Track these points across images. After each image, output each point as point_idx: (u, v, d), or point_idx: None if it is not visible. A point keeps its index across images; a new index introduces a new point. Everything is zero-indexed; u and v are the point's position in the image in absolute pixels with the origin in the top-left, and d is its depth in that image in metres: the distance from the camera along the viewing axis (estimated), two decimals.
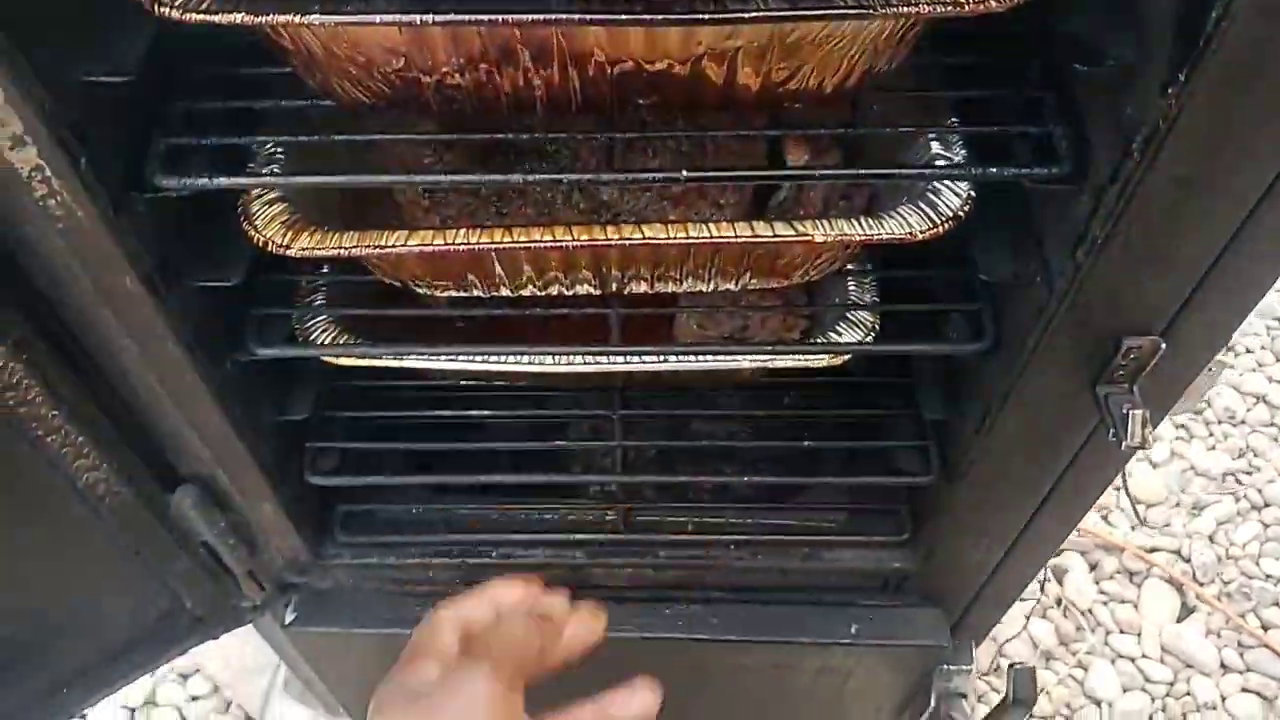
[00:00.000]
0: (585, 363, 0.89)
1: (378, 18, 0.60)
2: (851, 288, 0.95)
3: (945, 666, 1.16)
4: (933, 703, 1.18)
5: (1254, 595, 1.96)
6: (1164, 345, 0.76)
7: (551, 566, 1.12)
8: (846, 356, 0.91)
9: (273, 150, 0.78)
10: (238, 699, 1.83)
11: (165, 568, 1.00)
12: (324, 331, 0.91)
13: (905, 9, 0.60)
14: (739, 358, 0.92)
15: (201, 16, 0.60)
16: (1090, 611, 1.97)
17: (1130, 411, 0.77)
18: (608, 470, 1.12)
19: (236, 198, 0.77)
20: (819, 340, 0.90)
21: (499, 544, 1.11)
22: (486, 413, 1.05)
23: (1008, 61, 0.76)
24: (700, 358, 0.91)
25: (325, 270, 0.95)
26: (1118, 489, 2.05)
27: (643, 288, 0.87)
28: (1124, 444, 0.77)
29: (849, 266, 0.94)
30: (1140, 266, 0.70)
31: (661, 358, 0.89)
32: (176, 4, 0.60)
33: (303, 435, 1.02)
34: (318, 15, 0.59)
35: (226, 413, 0.88)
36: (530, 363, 0.90)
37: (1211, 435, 2.19)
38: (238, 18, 0.60)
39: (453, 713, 0.59)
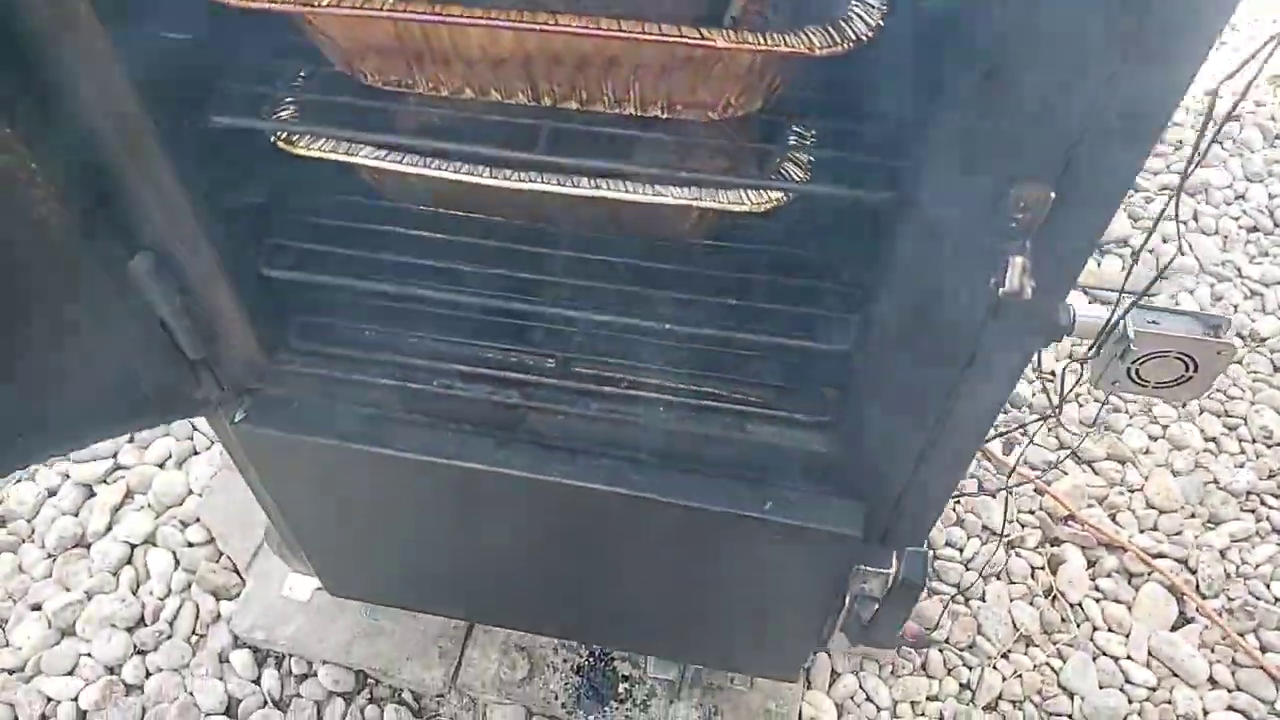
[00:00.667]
0: (519, 177, 0.93)
1: None
2: (791, 140, 0.96)
3: (861, 567, 1.15)
4: (846, 602, 1.17)
5: (1258, 616, 1.87)
6: (1053, 195, 0.76)
7: (488, 403, 1.16)
8: (771, 204, 0.93)
9: None
10: (229, 551, 1.92)
11: (123, 334, 1.07)
12: (286, 113, 0.97)
13: None
14: (666, 191, 0.94)
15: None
16: (1080, 605, 1.91)
17: (1011, 258, 0.77)
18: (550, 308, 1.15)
19: None
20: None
21: (442, 373, 1.15)
22: (441, 236, 1.09)
23: None
24: (628, 186, 0.94)
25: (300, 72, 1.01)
26: (1126, 491, 1.99)
27: (573, 105, 0.90)
28: (1001, 290, 0.77)
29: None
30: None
31: (591, 182, 0.92)
32: None
33: (263, 231, 1.08)
34: None
35: (181, 178, 0.95)
36: (462, 170, 0.94)
37: (1243, 453, 2.10)
38: None
39: None
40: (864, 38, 0.77)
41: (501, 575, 1.48)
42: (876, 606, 1.16)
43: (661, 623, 1.52)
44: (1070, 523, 2.01)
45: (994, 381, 0.95)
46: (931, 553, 1.94)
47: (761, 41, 0.77)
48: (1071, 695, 1.81)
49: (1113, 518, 2.02)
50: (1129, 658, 1.85)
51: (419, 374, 1.15)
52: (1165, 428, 2.13)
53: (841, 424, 1.08)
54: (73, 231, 0.97)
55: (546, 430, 1.16)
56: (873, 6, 0.79)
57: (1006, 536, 1.99)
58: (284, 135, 0.96)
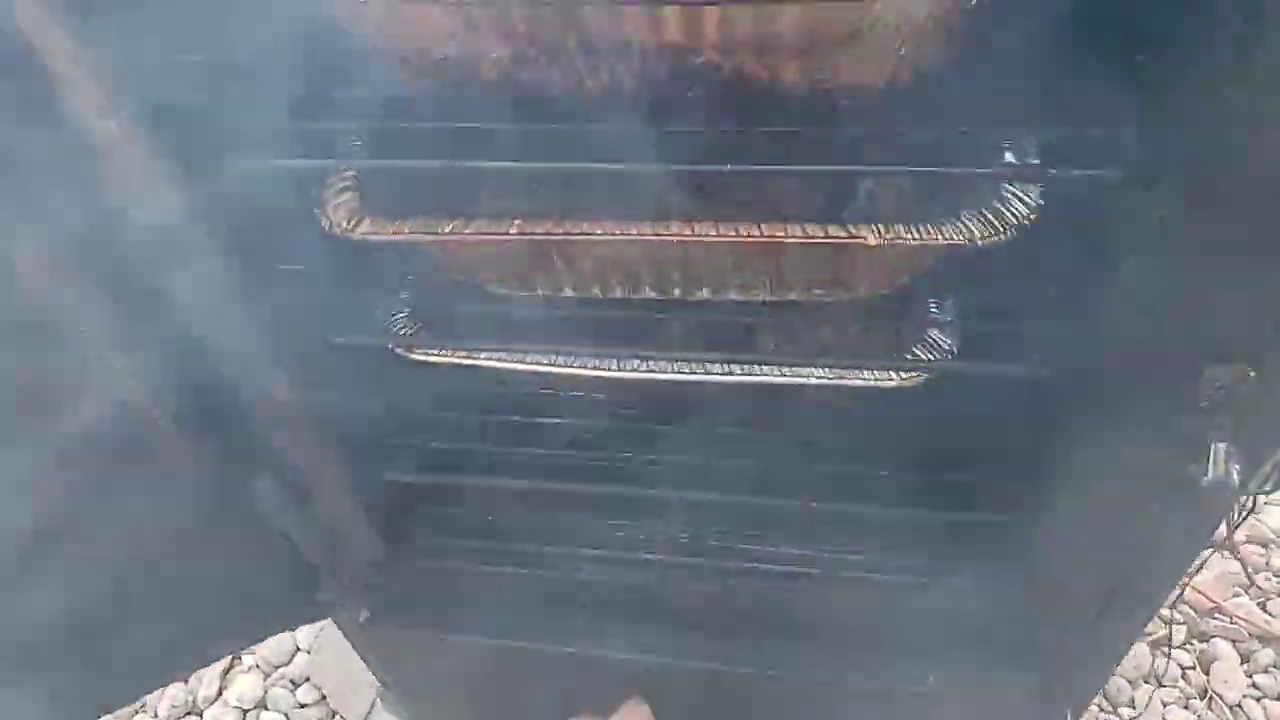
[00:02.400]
0: (648, 368, 0.89)
1: None
2: (932, 311, 0.91)
3: None
4: None
5: None
6: (1252, 374, 0.69)
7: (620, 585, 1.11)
8: (921, 377, 0.87)
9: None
10: (342, 710, 1.88)
11: (246, 551, 1.05)
12: (402, 326, 0.94)
13: None
14: (808, 372, 0.89)
15: None
16: (1240, 706, 1.78)
17: (1213, 444, 0.70)
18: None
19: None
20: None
21: (572, 558, 1.11)
22: (560, 420, 1.06)
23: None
24: (767, 370, 0.89)
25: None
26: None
27: (704, 294, 0.86)
28: (1203, 479, 0.70)
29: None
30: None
31: (723, 368, 0.88)
32: None
33: (383, 435, 1.05)
34: None
35: (301, 397, 0.92)
36: (596, 366, 0.90)
37: None
38: None
39: None
40: (1026, 221, 0.72)
41: None
42: None
43: None
44: (1218, 615, 1.88)
45: (1180, 544, 0.88)
46: None
47: (919, 235, 0.72)
48: None
49: (1262, 606, 1.89)
50: None
51: (550, 558, 1.11)
52: None
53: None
54: (187, 453, 0.95)
55: (683, 606, 1.11)
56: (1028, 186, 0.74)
57: (1150, 635, 1.87)
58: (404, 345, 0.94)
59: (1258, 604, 1.89)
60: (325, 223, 0.79)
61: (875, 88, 0.69)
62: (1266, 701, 1.79)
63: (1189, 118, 0.63)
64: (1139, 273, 0.71)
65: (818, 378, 0.89)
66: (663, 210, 0.76)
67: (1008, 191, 0.73)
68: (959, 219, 0.73)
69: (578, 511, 1.12)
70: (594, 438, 1.04)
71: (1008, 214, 0.72)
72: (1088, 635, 1.01)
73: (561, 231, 0.75)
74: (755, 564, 1.07)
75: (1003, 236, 0.71)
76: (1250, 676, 1.82)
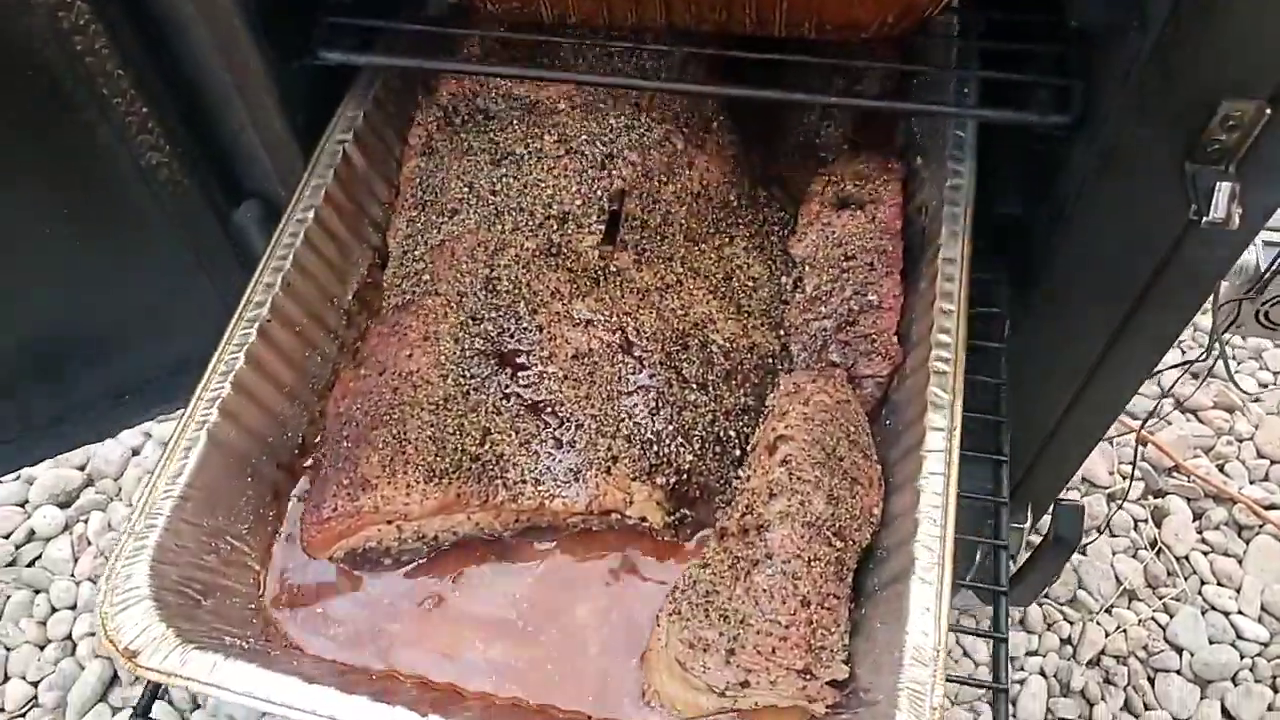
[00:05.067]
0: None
1: None
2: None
3: (990, 522, 1.10)
4: (978, 556, 1.12)
5: None
6: (1269, 112, 0.69)
7: None
8: None
9: None
10: None
11: (225, 284, 1.04)
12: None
13: None
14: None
15: None
16: (1187, 558, 1.84)
17: (1218, 183, 0.70)
18: None
19: None
20: None
21: None
22: None
23: None
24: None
25: None
26: (1236, 440, 1.91)
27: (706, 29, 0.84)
28: (1204, 219, 0.70)
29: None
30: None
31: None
32: None
33: None
34: None
35: (289, 119, 0.90)
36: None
37: None
38: None
39: None
40: None
41: None
42: (1020, 564, 1.10)
43: None
44: (1176, 474, 1.93)
45: (1164, 324, 0.89)
46: None
47: None
48: (1179, 650, 1.75)
49: (1221, 468, 1.94)
50: (1240, 612, 1.78)
51: None
52: (1276, 374, 2.04)
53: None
54: (179, 178, 0.93)
55: None
56: None
57: (1108, 489, 1.92)
58: None
59: (1217, 465, 1.94)
60: None
61: None
62: (1214, 556, 1.84)
63: None
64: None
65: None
66: None
67: None
68: None
69: None
70: None
71: None
72: (1056, 434, 1.03)
73: None
74: None
75: None
76: (1201, 533, 1.87)
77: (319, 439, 1.01)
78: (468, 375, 0.97)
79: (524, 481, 0.92)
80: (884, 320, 0.95)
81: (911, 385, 0.91)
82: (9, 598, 1.83)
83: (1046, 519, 1.14)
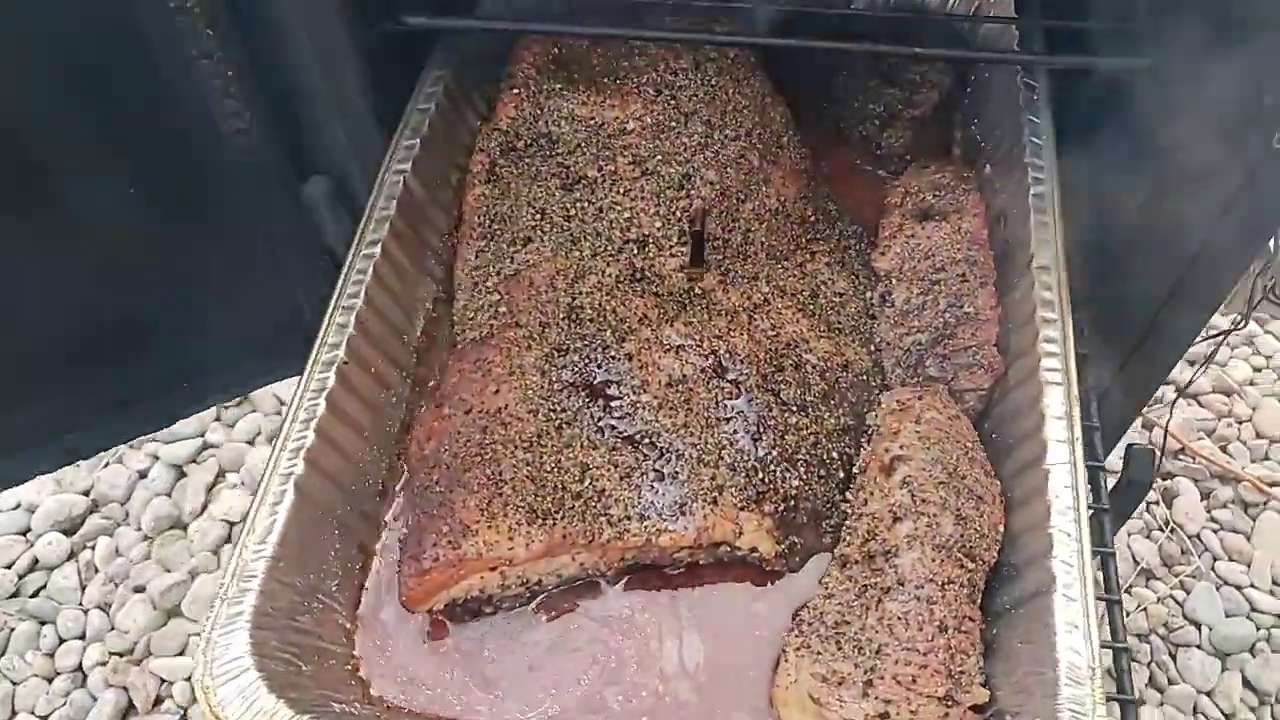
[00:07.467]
0: None
1: None
2: None
3: None
4: None
5: None
6: None
7: None
8: None
9: None
10: None
11: (290, 262, 0.99)
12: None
13: None
14: None
15: None
16: (1198, 537, 1.89)
17: None
18: None
19: None
20: None
21: None
22: None
23: None
24: None
25: None
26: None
27: None
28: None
29: None
30: None
31: None
32: None
33: None
34: None
35: (365, 91, 0.86)
36: None
37: None
38: None
39: None
40: None
41: None
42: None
43: None
44: (1182, 455, 1.97)
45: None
46: None
47: None
48: (1198, 626, 1.79)
49: (1224, 449, 1.99)
50: (1253, 586, 1.83)
51: None
52: (1269, 358, 2.10)
53: None
54: (256, 146, 0.89)
55: None
56: None
57: (1117, 473, 1.95)
58: None
59: (1220, 447, 1.99)
60: None
61: None
62: (1225, 533, 1.89)
63: None
64: None
65: None
66: None
67: None
68: None
69: None
70: None
71: None
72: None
73: None
74: None
75: None
76: (1209, 511, 1.92)
77: (399, 485, 0.98)
78: (559, 409, 0.94)
79: (629, 517, 0.90)
80: (984, 332, 0.94)
81: (1020, 397, 0.91)
82: (13, 630, 1.75)
83: None
